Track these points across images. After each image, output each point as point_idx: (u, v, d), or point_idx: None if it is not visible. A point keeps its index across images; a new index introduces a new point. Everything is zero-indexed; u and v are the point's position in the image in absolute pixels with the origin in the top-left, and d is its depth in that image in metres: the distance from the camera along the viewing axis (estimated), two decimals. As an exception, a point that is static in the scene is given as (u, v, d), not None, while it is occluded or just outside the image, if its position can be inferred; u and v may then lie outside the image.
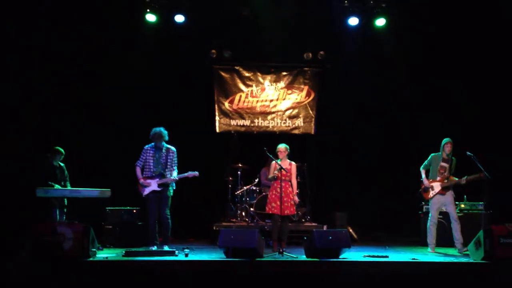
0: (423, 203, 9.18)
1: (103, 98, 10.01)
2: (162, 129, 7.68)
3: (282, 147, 8.01)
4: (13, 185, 8.51)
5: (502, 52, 9.77)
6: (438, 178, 8.05)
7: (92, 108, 9.98)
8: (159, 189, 7.58)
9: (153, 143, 7.74)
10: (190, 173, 7.71)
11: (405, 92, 10.26)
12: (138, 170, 7.69)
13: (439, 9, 9.79)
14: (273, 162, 7.93)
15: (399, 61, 10.22)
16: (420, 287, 6.25)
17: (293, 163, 8.08)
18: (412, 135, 10.33)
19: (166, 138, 7.70)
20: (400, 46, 10.22)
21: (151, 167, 7.68)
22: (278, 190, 7.69)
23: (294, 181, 8.03)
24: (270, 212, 7.90)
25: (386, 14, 10.05)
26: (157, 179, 7.60)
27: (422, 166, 8.25)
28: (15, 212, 7.97)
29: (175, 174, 7.68)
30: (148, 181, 7.60)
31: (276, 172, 7.84)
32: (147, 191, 7.59)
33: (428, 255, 7.55)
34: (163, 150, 7.72)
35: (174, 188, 7.79)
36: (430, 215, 8.12)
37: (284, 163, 7.92)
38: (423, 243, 8.87)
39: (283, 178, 7.79)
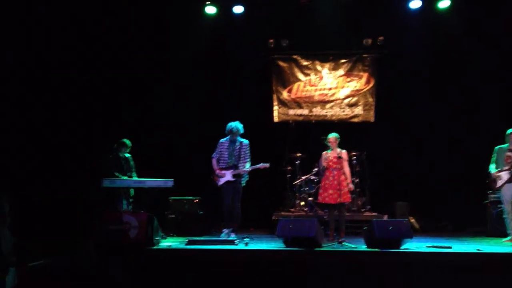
0: (489, 192, 8.86)
1: (164, 90, 10.26)
2: (238, 123, 8.06)
3: (332, 137, 8.08)
4: (81, 176, 8.91)
5: None
6: (506, 167, 7.74)
7: (155, 100, 10.26)
8: (233, 179, 7.99)
9: (228, 137, 8.12)
10: (261, 165, 8.02)
11: (471, 77, 9.88)
12: (214, 161, 8.15)
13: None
14: (324, 152, 8.07)
15: (464, 45, 9.83)
16: (485, 279, 6.05)
17: (344, 151, 8.08)
18: (477, 122, 9.95)
19: (241, 131, 8.07)
20: (465, 29, 9.82)
21: (226, 159, 8.09)
22: (331, 179, 7.84)
23: (347, 169, 8.04)
24: (324, 202, 8.01)
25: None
26: (232, 170, 8.01)
27: (491, 162, 7.95)
28: (83, 202, 8.35)
29: (247, 165, 8.06)
30: (223, 172, 8.03)
31: (325, 162, 7.97)
32: (222, 181, 8.04)
33: (494, 246, 7.29)
34: (237, 143, 8.09)
35: (247, 179, 8.17)
36: (503, 206, 7.88)
37: (334, 152, 8.00)
38: (489, 234, 8.60)
39: (335, 166, 7.89)
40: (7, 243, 5.61)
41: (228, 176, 8.00)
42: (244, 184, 8.12)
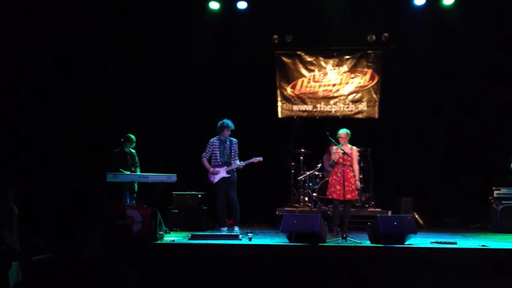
0: (493, 188, 8.84)
1: (167, 86, 10.25)
2: (229, 121, 8.26)
3: (343, 132, 8.00)
4: (85, 170, 8.92)
5: None
6: None
7: (158, 96, 10.24)
8: (227, 175, 8.23)
9: (218, 136, 8.34)
10: (255, 159, 8.27)
11: (475, 74, 9.83)
12: (205, 160, 8.38)
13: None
14: (334, 147, 7.95)
15: (469, 41, 9.78)
16: (490, 275, 6.03)
17: (354, 147, 8.05)
18: (481, 118, 9.92)
19: (232, 127, 8.28)
20: (470, 26, 9.77)
21: (218, 157, 8.34)
22: (339, 175, 7.77)
23: (356, 166, 8.01)
24: (331, 197, 7.96)
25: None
26: (225, 167, 8.24)
27: None
28: (87, 196, 8.35)
29: (238, 162, 8.28)
30: (217, 169, 8.27)
31: (335, 156, 7.85)
32: (217, 178, 8.27)
33: (499, 242, 7.25)
34: (227, 142, 8.31)
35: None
36: None
37: (345, 148, 7.92)
38: (494, 230, 8.59)
39: (344, 163, 7.82)
40: (12, 237, 5.62)
41: (222, 172, 8.26)
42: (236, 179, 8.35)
